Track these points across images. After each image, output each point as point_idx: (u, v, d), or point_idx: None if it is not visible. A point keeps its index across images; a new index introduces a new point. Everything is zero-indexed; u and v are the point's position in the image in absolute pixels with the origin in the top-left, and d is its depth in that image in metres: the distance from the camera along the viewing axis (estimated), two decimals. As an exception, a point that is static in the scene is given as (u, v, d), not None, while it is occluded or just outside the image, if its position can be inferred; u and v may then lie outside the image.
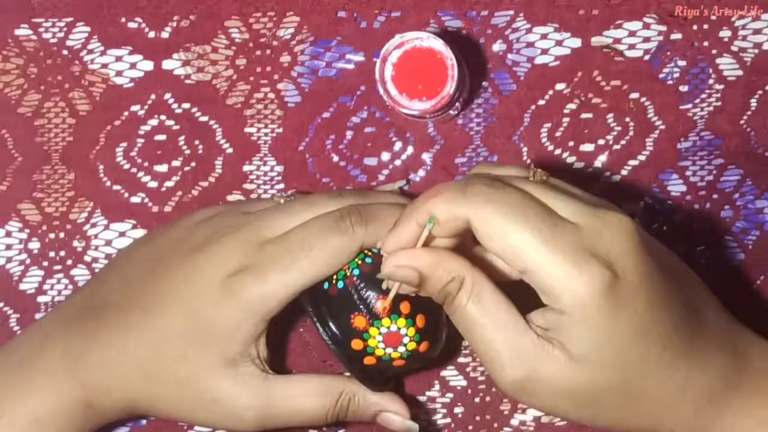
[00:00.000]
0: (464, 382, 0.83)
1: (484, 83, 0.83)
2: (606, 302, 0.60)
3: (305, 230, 0.72)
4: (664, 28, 0.82)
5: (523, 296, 0.64)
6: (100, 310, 0.75)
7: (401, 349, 0.72)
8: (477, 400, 0.83)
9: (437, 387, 0.83)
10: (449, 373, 0.83)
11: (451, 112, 0.79)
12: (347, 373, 0.76)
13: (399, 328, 0.71)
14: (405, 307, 0.71)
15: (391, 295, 0.69)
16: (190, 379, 0.73)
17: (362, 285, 0.72)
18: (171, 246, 0.76)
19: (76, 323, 0.75)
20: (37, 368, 0.74)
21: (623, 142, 0.82)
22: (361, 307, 0.72)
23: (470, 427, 0.83)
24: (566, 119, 0.83)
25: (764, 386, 0.66)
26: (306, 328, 0.84)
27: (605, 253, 0.60)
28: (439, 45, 0.74)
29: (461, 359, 0.83)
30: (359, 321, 0.72)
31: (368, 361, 0.73)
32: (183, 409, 0.74)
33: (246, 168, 0.84)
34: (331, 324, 0.73)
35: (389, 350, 0.72)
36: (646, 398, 0.64)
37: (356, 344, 0.72)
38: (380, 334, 0.72)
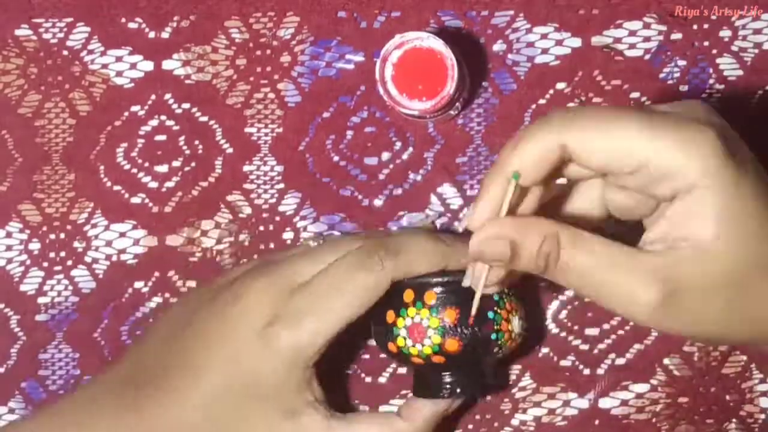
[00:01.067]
0: (465, 382, 0.83)
1: (484, 83, 0.83)
2: (730, 162, 0.57)
3: (333, 273, 0.71)
4: (664, 27, 0.82)
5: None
6: (145, 379, 0.74)
7: (419, 347, 0.72)
8: (478, 399, 0.83)
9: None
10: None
11: (452, 112, 0.79)
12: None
13: (422, 320, 0.71)
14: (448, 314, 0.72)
15: (477, 298, 0.68)
16: None
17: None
18: (205, 304, 0.75)
19: (124, 395, 0.74)
20: None
21: (624, 141, 0.82)
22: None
23: (470, 426, 0.83)
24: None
25: None
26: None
27: (710, 123, 0.58)
28: (439, 45, 0.74)
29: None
30: (389, 315, 0.73)
31: (391, 348, 0.73)
32: None
33: (246, 168, 0.84)
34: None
35: (409, 342, 0.72)
36: None
37: (391, 347, 0.73)
38: (405, 325, 0.72)
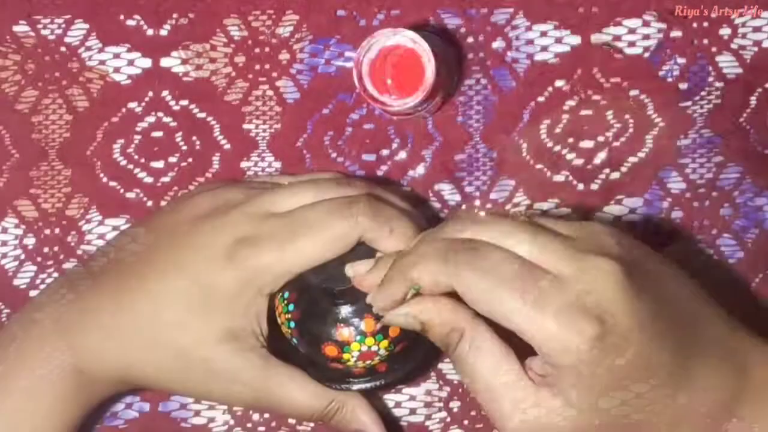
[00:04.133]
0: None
1: (483, 80, 0.83)
2: (596, 355, 0.60)
3: (311, 210, 0.72)
4: (663, 25, 0.82)
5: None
6: (95, 278, 0.75)
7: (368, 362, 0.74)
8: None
9: (434, 380, 0.82)
10: (447, 366, 0.82)
11: (438, 99, 0.79)
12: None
13: (378, 349, 0.73)
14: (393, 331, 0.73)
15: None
16: (190, 348, 0.73)
17: (308, 331, 0.74)
18: (172, 216, 0.76)
19: (69, 292, 0.75)
20: (29, 339, 0.74)
21: (623, 139, 0.82)
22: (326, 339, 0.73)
23: (466, 422, 0.82)
24: (566, 116, 0.82)
25: (766, 398, 0.66)
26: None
27: (593, 304, 0.60)
28: (404, 40, 0.74)
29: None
30: (330, 350, 0.73)
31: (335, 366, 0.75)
32: (178, 378, 0.74)
33: (243, 164, 0.84)
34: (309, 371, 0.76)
35: (359, 362, 0.74)
36: (646, 429, 0.63)
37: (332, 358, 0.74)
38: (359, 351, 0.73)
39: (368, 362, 0.74)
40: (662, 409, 0.63)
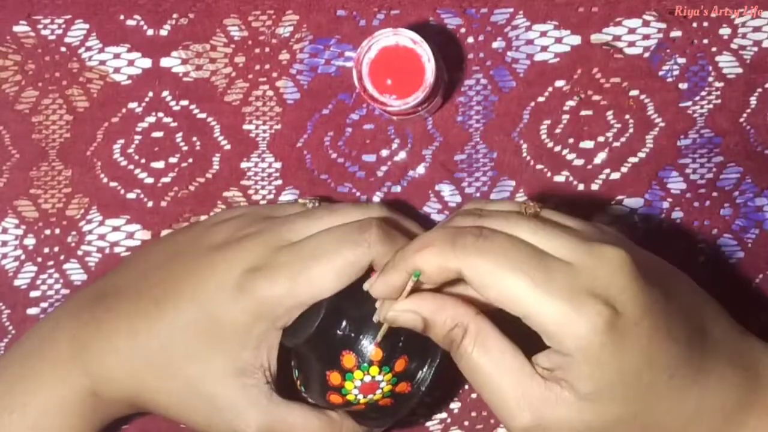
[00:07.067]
0: (461, 377, 0.82)
1: (483, 80, 0.83)
2: (608, 339, 0.59)
3: (321, 238, 0.71)
4: (663, 25, 0.82)
5: (524, 331, 0.62)
6: (111, 299, 0.74)
7: (370, 396, 0.72)
8: (474, 396, 0.82)
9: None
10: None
11: (438, 99, 0.79)
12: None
13: (374, 377, 0.71)
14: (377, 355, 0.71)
15: (382, 332, 0.68)
16: (198, 381, 0.71)
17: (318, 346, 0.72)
18: (190, 243, 0.75)
19: (85, 311, 0.75)
20: (46, 358, 0.74)
21: (623, 139, 0.82)
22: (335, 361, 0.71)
23: (466, 423, 0.82)
24: (566, 116, 0.82)
25: None
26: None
27: (603, 290, 0.59)
28: (404, 39, 0.74)
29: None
30: (334, 377, 0.71)
31: (335, 400, 0.72)
32: (184, 409, 0.73)
33: (244, 165, 0.84)
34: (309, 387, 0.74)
35: (360, 396, 0.71)
36: (659, 428, 0.63)
37: (334, 399, 0.72)
38: (359, 382, 0.71)
39: (369, 396, 0.71)
40: (676, 406, 0.62)
